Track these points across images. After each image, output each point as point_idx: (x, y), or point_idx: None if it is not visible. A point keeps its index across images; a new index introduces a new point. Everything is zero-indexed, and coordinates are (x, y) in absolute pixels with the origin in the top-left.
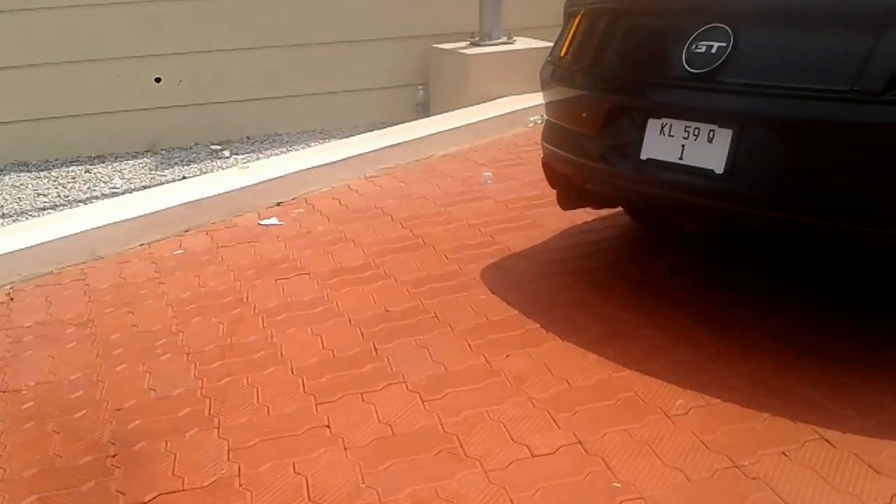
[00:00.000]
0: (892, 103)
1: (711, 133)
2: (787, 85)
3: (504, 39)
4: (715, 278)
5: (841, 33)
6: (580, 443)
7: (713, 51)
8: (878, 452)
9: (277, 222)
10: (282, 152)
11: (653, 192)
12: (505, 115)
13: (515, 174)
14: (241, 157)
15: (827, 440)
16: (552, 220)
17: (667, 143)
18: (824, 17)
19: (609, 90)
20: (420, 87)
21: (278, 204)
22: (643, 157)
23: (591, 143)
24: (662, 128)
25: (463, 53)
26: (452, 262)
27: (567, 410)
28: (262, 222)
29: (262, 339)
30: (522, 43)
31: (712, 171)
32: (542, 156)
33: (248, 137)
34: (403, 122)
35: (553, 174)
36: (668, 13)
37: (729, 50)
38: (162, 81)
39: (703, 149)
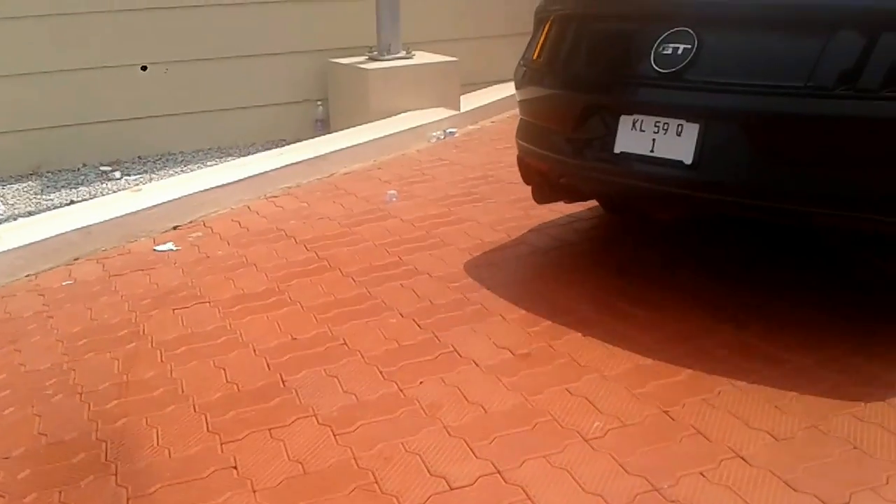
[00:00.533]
0: (842, 97)
1: (680, 127)
2: (747, 82)
3: (403, 54)
4: (627, 301)
5: (795, 36)
6: (499, 472)
7: (679, 52)
8: (793, 469)
9: (174, 248)
10: (176, 173)
11: (627, 183)
12: (407, 130)
13: (420, 191)
14: (132, 178)
15: (743, 458)
16: (460, 238)
17: (639, 137)
18: (780, 22)
19: (583, 90)
20: (319, 103)
21: (174, 228)
22: (617, 150)
23: (566, 139)
24: (634, 123)
25: (362, 68)
26: (360, 285)
27: (484, 438)
28: (157, 248)
29: (160, 375)
30: (422, 57)
31: (682, 161)
32: (517, 153)
33: (139, 157)
34: (303, 139)
35: (528, 170)
36: (637, 18)
37: (694, 51)
38: (44, 98)
39: (673, 142)
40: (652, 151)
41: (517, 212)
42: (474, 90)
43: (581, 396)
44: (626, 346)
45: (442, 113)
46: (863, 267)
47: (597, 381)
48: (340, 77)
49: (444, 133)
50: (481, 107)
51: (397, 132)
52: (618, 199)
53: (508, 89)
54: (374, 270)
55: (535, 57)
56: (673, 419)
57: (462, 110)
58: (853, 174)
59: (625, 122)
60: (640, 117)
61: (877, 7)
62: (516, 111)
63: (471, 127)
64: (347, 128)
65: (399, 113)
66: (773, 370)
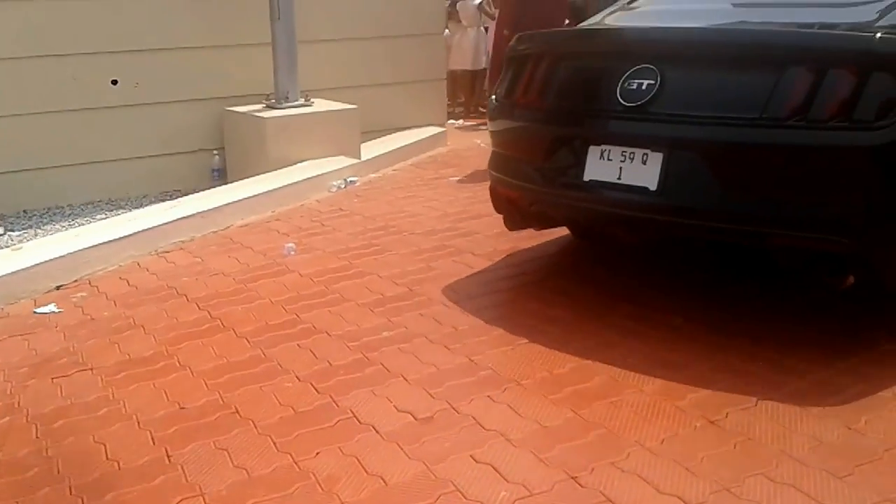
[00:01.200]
0: (794, 127)
1: (645, 156)
2: (707, 114)
3: (302, 101)
4: (532, 361)
5: (750, 71)
6: None
7: (643, 87)
8: None
9: (56, 310)
10: (64, 227)
11: (596, 209)
12: (306, 180)
13: (320, 244)
14: (16, 234)
15: None
16: (360, 293)
17: (606, 166)
18: (736, 58)
19: (554, 122)
20: (215, 153)
21: (58, 288)
22: (586, 178)
23: (538, 169)
24: (602, 153)
25: (259, 116)
26: (255, 347)
27: None
28: (37, 310)
29: (34, 453)
30: (321, 105)
31: (647, 188)
32: (489, 183)
33: (24, 212)
34: (198, 190)
35: (499, 199)
36: (603, 56)
37: (657, 86)
38: None
39: (639, 170)
40: (619, 179)
41: (419, 264)
42: (376, 137)
43: (486, 463)
44: (530, 408)
45: (342, 161)
46: (815, 285)
47: (502, 445)
48: (237, 126)
49: (344, 182)
50: (383, 155)
51: (296, 182)
52: (587, 225)
53: (410, 137)
54: (270, 330)
55: (507, 93)
56: (582, 486)
57: (363, 158)
58: (805, 198)
59: (593, 152)
60: (607, 147)
61: (825, 46)
62: (418, 158)
63: (372, 175)
64: (245, 178)
65: (298, 162)
66: (684, 427)
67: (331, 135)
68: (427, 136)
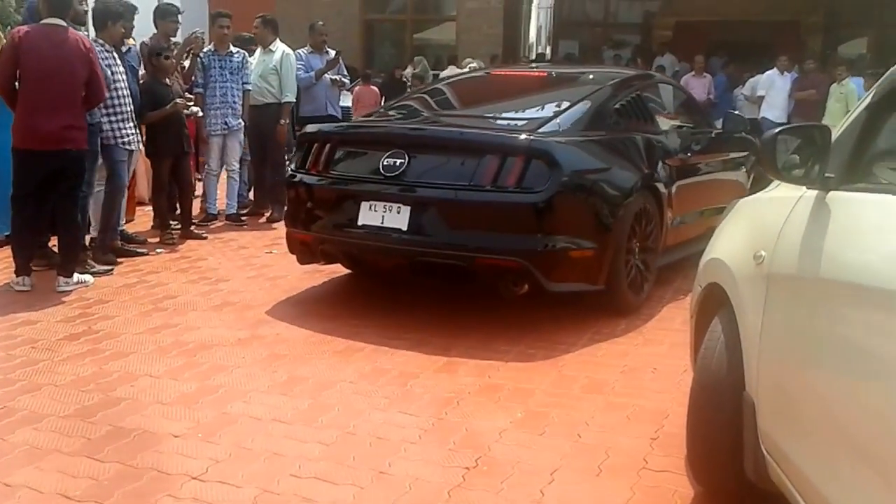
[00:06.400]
0: (489, 191)
1: (399, 209)
2: (438, 182)
3: None
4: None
5: (463, 156)
6: None
7: (397, 164)
8: None
9: None
10: None
11: (365, 244)
12: None
13: None
14: None
15: None
16: None
17: (374, 215)
18: (455, 148)
19: (337, 186)
20: None
21: None
22: (359, 224)
23: (325, 219)
24: (371, 207)
25: None
26: None
27: None
28: None
29: None
30: None
31: (400, 229)
32: (286, 231)
33: None
34: None
35: (294, 242)
36: (371, 142)
37: (406, 164)
38: None
39: (395, 217)
40: (382, 223)
41: None
42: None
43: None
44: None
45: None
46: (504, 289)
47: None
48: None
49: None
50: None
51: None
52: (358, 257)
53: None
54: None
55: (301, 164)
56: None
57: None
58: (497, 234)
59: (364, 206)
60: (374, 203)
61: (505, 143)
62: None
63: None
64: None
65: None
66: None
67: None
68: None
